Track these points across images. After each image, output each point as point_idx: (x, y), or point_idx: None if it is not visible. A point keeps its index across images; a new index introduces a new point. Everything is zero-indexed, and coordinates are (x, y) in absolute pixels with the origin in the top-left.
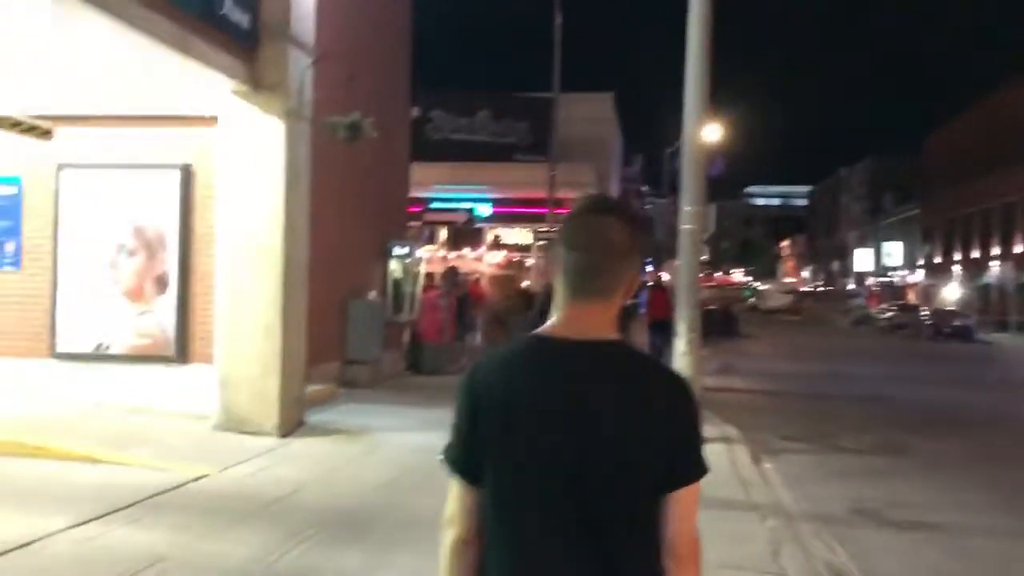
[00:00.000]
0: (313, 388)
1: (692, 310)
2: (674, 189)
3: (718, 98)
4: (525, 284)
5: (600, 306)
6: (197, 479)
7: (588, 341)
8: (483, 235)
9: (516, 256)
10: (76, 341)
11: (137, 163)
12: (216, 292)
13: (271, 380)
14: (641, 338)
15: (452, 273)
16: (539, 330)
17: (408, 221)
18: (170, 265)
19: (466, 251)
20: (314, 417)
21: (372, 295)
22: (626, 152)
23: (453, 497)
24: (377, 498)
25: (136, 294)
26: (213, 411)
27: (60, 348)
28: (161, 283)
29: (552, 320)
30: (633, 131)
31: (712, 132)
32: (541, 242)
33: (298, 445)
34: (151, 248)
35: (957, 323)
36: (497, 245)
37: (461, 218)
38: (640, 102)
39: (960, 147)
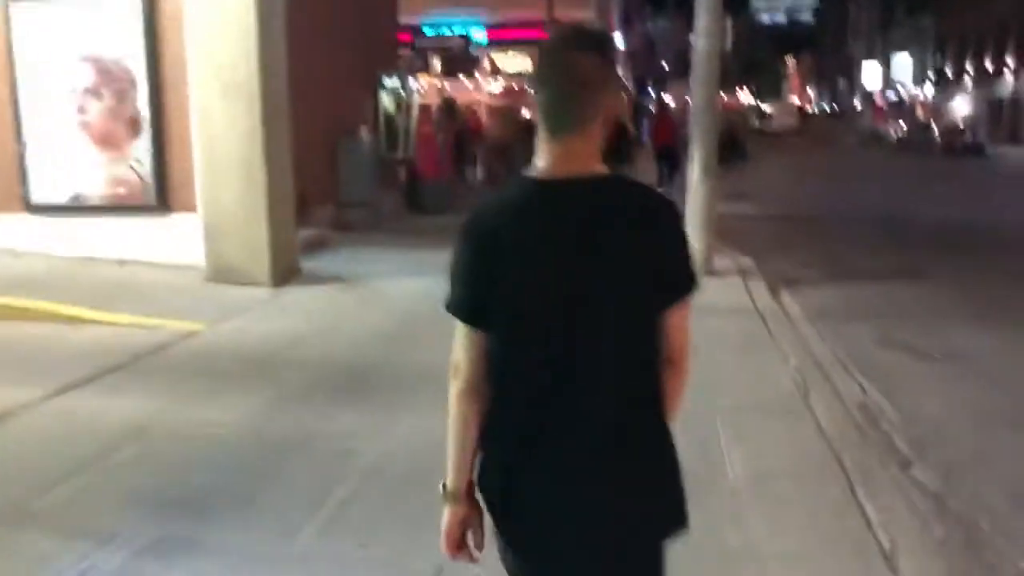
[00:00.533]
0: (307, 233)
1: (708, 134)
2: (679, 8)
3: None
4: (524, 114)
5: (579, 140)
6: (187, 336)
7: (583, 177)
8: (479, 63)
9: (515, 85)
10: (50, 193)
11: None
12: (192, 135)
13: (258, 226)
14: (647, 167)
15: (449, 105)
16: (531, 172)
17: (398, 50)
18: (141, 105)
19: (462, 80)
20: (309, 264)
21: (364, 132)
22: None
23: (459, 345)
24: (378, 351)
25: (107, 139)
26: (201, 262)
27: (34, 201)
28: (134, 126)
29: (538, 161)
30: None
31: None
32: None
33: (293, 295)
34: (119, 86)
35: (968, 139)
36: (495, 73)
37: (456, 44)
38: None
39: None
